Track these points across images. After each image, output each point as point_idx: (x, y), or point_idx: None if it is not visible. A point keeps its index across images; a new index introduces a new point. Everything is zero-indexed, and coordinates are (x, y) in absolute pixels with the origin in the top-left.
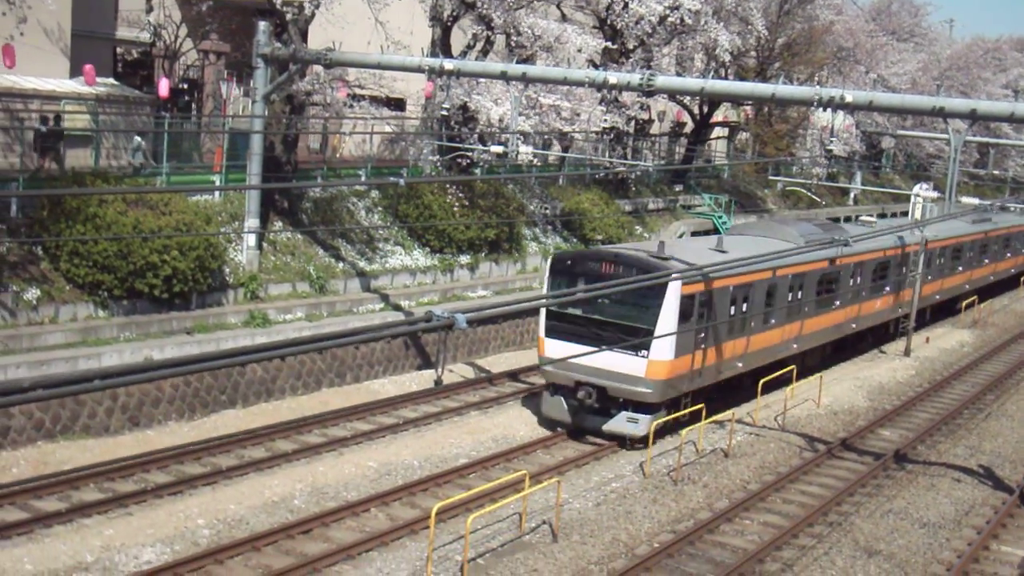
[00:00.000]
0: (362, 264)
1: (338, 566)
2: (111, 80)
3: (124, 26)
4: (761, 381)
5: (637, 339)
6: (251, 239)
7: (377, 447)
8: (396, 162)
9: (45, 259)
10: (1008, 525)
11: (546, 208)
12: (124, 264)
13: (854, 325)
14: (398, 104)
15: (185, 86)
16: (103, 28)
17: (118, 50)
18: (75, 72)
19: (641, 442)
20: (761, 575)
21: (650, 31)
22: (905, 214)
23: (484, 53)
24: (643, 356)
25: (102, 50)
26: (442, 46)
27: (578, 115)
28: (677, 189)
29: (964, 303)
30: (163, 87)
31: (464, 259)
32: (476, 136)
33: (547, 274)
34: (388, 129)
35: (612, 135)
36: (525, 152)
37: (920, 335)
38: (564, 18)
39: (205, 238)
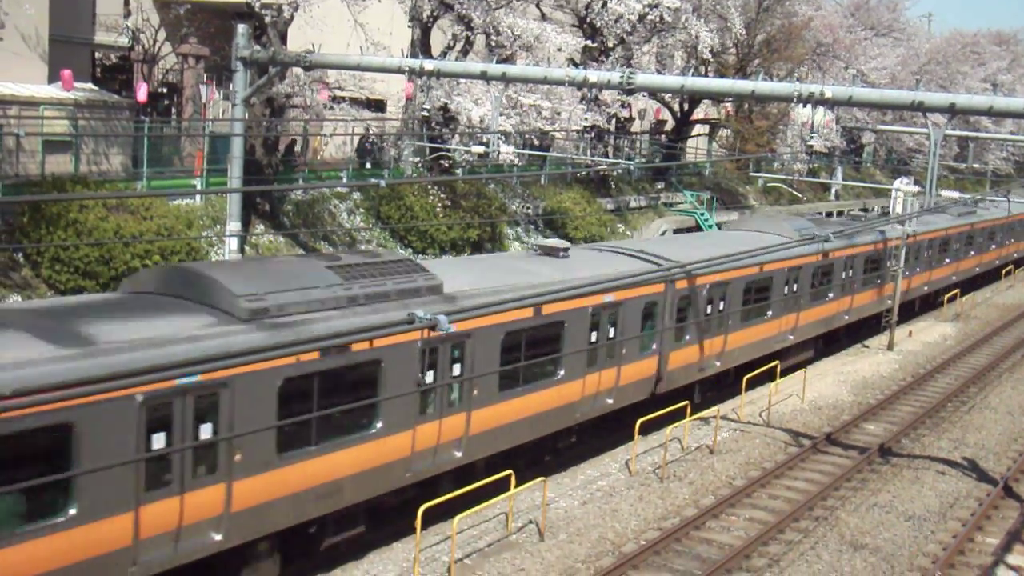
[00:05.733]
0: None
1: (325, 567)
2: (90, 85)
3: (102, 31)
4: (745, 377)
5: None
6: (233, 242)
7: None
8: (377, 163)
9: (26, 265)
10: (993, 517)
11: (528, 208)
12: (106, 270)
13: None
14: (379, 105)
15: (164, 90)
16: (81, 33)
17: (96, 55)
18: (53, 77)
19: None
20: (748, 571)
21: (629, 29)
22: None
23: (464, 53)
24: None
25: (80, 55)
26: (422, 47)
27: (559, 114)
28: (659, 187)
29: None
30: (142, 91)
31: None
32: (457, 136)
33: None
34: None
35: (593, 133)
36: (506, 152)
37: (903, 329)
38: (543, 17)
39: (187, 242)
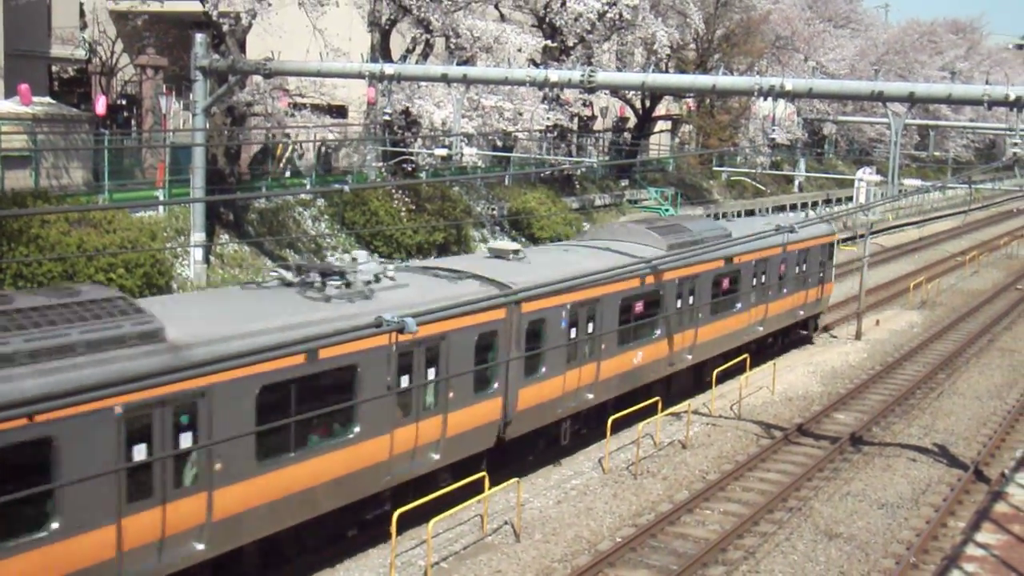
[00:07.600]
0: None
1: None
2: (48, 99)
3: (58, 44)
4: (715, 371)
5: None
6: (198, 253)
7: None
8: (341, 169)
9: None
10: (964, 502)
11: (493, 209)
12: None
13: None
14: (340, 111)
15: (123, 102)
16: (37, 46)
17: (53, 68)
18: (10, 92)
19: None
20: (724, 564)
21: (589, 28)
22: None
23: (424, 56)
24: None
25: (37, 68)
26: (382, 51)
27: (521, 115)
28: (623, 184)
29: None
30: (100, 104)
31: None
32: (420, 140)
33: None
34: (331, 137)
35: (556, 133)
36: (469, 154)
37: (870, 318)
38: (503, 18)
39: (151, 254)
